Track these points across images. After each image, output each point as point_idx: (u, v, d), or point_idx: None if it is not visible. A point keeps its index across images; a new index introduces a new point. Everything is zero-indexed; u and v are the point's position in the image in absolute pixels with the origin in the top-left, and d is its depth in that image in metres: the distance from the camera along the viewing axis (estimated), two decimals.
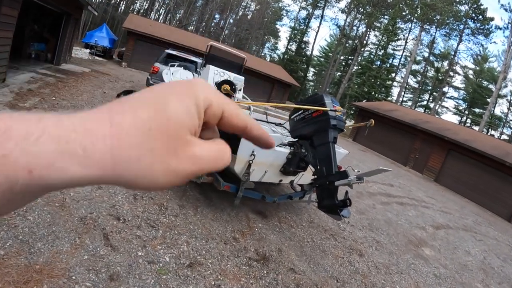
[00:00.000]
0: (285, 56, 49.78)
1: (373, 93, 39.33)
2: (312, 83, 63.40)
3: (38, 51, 13.86)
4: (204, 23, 46.46)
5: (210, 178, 4.60)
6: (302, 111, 4.13)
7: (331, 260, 4.73)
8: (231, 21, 53.04)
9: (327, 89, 47.43)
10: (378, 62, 41.21)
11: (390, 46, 41.11)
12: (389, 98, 41.07)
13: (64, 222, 3.48)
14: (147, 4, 46.54)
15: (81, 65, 16.46)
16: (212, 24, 50.96)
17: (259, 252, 4.26)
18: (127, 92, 11.24)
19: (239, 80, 7.81)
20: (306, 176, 4.98)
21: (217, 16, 50.86)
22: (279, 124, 5.73)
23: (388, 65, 41.19)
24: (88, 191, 4.26)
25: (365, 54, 45.94)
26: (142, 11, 45.97)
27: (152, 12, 46.75)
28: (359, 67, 44.75)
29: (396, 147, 23.70)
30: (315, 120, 3.94)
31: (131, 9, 46.28)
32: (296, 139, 4.46)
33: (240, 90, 7.84)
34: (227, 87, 4.58)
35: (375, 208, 7.92)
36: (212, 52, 7.75)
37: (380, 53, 41.30)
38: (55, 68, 12.76)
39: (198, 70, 12.49)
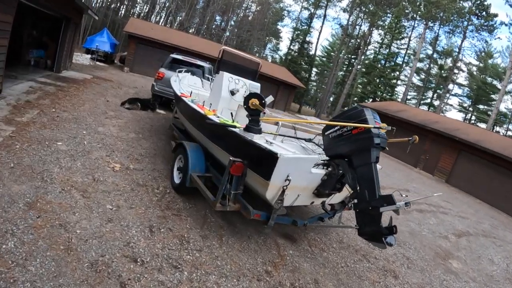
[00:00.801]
0: (288, 57, 49.19)
1: (378, 92, 38.76)
2: (315, 83, 62.88)
3: (38, 58, 13.21)
4: (205, 25, 45.94)
5: (237, 206, 4.07)
6: (339, 127, 3.73)
7: (369, 286, 4.45)
8: (232, 22, 52.59)
9: (331, 90, 46.81)
10: (383, 61, 40.71)
11: (394, 45, 40.61)
12: (394, 97, 40.42)
13: (72, 271, 2.86)
14: (147, 8, 46.12)
15: (82, 71, 15.83)
16: (213, 26, 50.50)
17: (295, 287, 3.77)
18: (132, 101, 10.62)
19: (255, 87, 7.18)
20: (337, 196, 4.44)
21: (218, 18, 50.49)
22: (309, 140, 5.10)
23: (393, 64, 40.70)
24: (97, 226, 3.62)
25: (368, 53, 45.47)
26: (142, 14, 45.52)
27: (153, 16, 46.38)
28: (364, 66, 44.24)
29: (406, 148, 22.95)
30: (355, 138, 3.55)
31: (131, 13, 45.87)
32: (331, 158, 4.02)
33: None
34: (255, 101, 3.91)
35: (397, 219, 7.28)
36: (224, 57, 7.12)
37: (385, 52, 40.77)
38: (55, 76, 12.12)
39: (205, 75, 11.90)
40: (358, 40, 46.02)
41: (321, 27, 49.27)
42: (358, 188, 3.56)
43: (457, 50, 40.41)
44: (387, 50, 40.50)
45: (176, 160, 5.51)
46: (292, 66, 43.66)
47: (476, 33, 38.03)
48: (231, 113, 4.73)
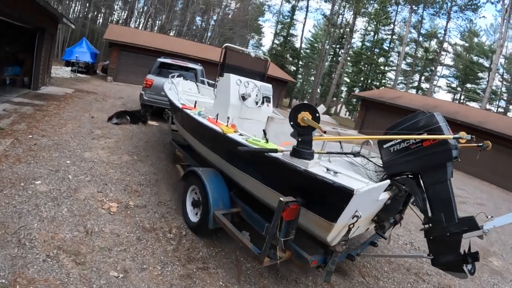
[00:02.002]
0: (272, 51, 48.07)
1: (369, 80, 38.11)
2: (300, 76, 61.91)
3: (13, 76, 11.93)
4: (186, 27, 44.47)
5: (288, 254, 3.08)
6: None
7: None
8: (213, 22, 51.21)
9: (319, 81, 45.89)
10: (372, 48, 40.09)
11: (381, 31, 39.98)
12: (386, 84, 39.83)
13: None
14: (125, 14, 44.42)
15: (63, 85, 14.44)
16: (194, 27, 49.04)
17: None
18: (120, 114, 9.40)
19: (267, 89, 6.14)
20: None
21: (198, 18, 49.01)
22: (357, 154, 4.01)
23: (381, 51, 40.06)
24: None
25: (353, 41, 44.74)
26: (121, 21, 43.79)
27: (132, 21, 44.74)
28: (351, 55, 43.57)
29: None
30: (429, 152, 2.94)
31: (109, 20, 43.99)
32: (393, 177, 3.27)
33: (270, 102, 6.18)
34: (307, 115, 2.80)
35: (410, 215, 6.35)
36: (228, 57, 6.03)
37: (371, 39, 40.14)
38: (33, 94, 10.81)
39: (199, 78, 10.79)
40: (342, 30, 45.13)
41: (305, 18, 47.67)
42: (430, 211, 3.05)
43: (442, 31, 39.76)
44: (375, 37, 39.84)
45: (189, 192, 4.40)
46: (278, 60, 42.64)
47: (461, 13, 37.34)
48: (264, 131, 3.57)
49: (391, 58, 43.25)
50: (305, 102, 3.37)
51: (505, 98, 39.96)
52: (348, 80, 48.58)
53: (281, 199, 2.69)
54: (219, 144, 4.23)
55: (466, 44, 40.53)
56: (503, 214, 7.77)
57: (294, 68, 49.08)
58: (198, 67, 11.42)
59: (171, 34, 41.55)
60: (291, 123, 2.88)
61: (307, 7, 45.37)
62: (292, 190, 2.91)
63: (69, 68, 20.67)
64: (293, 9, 46.76)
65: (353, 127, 26.69)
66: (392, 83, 40.78)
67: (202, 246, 3.89)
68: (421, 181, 3.13)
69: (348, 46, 41.78)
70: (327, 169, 2.80)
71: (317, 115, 2.81)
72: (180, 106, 5.41)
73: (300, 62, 52.86)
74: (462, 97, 43.90)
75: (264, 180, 3.44)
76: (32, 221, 3.52)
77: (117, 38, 20.31)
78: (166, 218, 4.35)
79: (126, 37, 20.95)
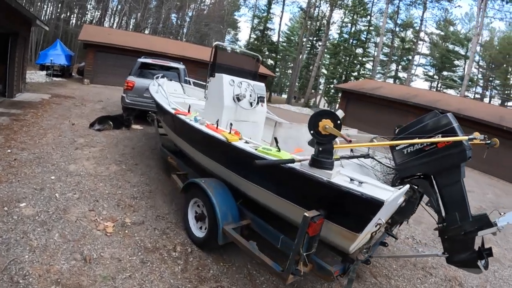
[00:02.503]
0: (249, 46, 47.62)
1: (348, 72, 38.27)
2: (278, 69, 61.69)
3: None
4: (161, 24, 43.49)
5: (309, 267, 2.84)
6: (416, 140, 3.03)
7: None
8: (188, 18, 50.28)
9: (297, 75, 45.82)
10: (350, 40, 40.25)
11: (360, 22, 40.14)
12: (366, 75, 40.04)
13: None
14: (99, 13, 43.06)
15: (40, 91, 13.75)
16: (170, 25, 48.03)
17: None
18: (102, 120, 8.93)
19: (260, 88, 5.84)
20: None
21: (174, 15, 48.00)
22: (367, 156, 3.81)
23: (358, 42, 40.24)
24: None
25: (330, 33, 44.83)
26: (95, 21, 42.39)
27: (106, 20, 43.43)
28: (329, 47, 43.61)
29: (389, 125, 22.19)
30: (443, 153, 2.92)
31: (83, 20, 42.46)
32: (406, 179, 3.24)
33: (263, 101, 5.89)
34: (328, 123, 2.55)
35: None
36: (219, 56, 5.71)
37: (349, 31, 40.25)
38: (8, 102, 10.20)
39: (182, 78, 10.41)
40: (319, 22, 45.09)
41: (282, 12, 47.49)
42: (443, 210, 3.06)
43: (418, 21, 40.24)
44: (352, 29, 39.98)
45: (190, 205, 4.09)
46: (260, 55, 42.20)
47: (437, 2, 37.86)
48: (275, 138, 3.28)
49: (368, 49, 43.58)
50: (326, 109, 3.15)
51: (481, 85, 40.80)
52: (325, 72, 48.75)
53: (306, 214, 2.50)
54: (222, 153, 3.93)
55: (442, 33, 41.11)
56: (490, 198, 7.71)
57: (272, 62, 48.86)
58: (180, 66, 11.03)
59: (146, 32, 40.60)
60: (311, 131, 2.63)
61: (283, 0, 45.13)
62: (312, 202, 2.75)
63: (44, 72, 19.77)
64: (270, 3, 46.41)
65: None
66: (370, 73, 41.08)
67: (211, 263, 3.61)
68: (434, 182, 3.11)
69: (326, 38, 41.82)
70: (351, 179, 2.59)
71: (339, 122, 2.56)
72: (172, 111, 5.04)
73: (278, 56, 52.72)
74: (439, 85, 44.67)
75: (278, 190, 3.19)
76: (22, 253, 3.14)
77: (92, 39, 19.55)
78: (167, 234, 4.02)
79: (102, 37, 20.22)
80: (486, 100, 39.97)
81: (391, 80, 43.81)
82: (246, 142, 3.60)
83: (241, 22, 76.36)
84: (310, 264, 2.83)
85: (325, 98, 50.41)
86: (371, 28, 41.88)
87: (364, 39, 42.01)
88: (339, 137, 2.63)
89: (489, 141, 3.20)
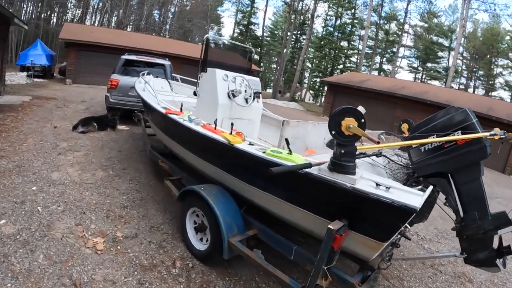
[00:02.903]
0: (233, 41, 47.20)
1: (334, 65, 38.21)
2: (262, 64, 61.28)
3: None
4: (144, 21, 42.57)
5: (329, 280, 2.46)
6: (432, 137, 2.83)
7: None
8: (170, 15, 49.34)
9: (283, 69, 45.50)
10: (335, 33, 40.19)
11: (345, 15, 40.09)
12: (352, 68, 40.04)
13: None
14: (80, 11, 41.85)
15: (20, 93, 13.11)
16: (152, 22, 47.09)
17: None
18: (86, 121, 8.46)
19: (256, 84, 5.50)
20: None
21: (156, 12, 47.06)
22: (379, 154, 3.52)
23: (343, 35, 40.20)
24: None
25: (315, 27, 44.67)
26: (76, 19, 41.15)
27: (87, 18, 42.22)
28: (314, 40, 43.44)
29: (378, 118, 22.53)
30: (463, 151, 2.74)
31: (64, 19, 41.09)
32: (425, 178, 3.05)
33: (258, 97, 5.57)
34: (352, 122, 2.28)
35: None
36: (210, 49, 5.36)
37: (333, 24, 40.21)
38: None
39: (169, 74, 10.05)
40: (303, 16, 44.84)
41: (266, 6, 47.39)
42: (461, 210, 2.90)
43: (402, 13, 40.39)
44: (336, 22, 39.91)
45: (188, 215, 3.74)
46: None
47: None
48: (286, 140, 2.91)
49: (353, 42, 43.53)
50: (348, 106, 2.90)
51: (465, 75, 41.19)
52: (310, 66, 48.62)
53: (331, 227, 2.26)
54: (223, 156, 3.58)
55: (426, 25, 41.31)
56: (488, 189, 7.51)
57: (257, 57, 48.47)
58: (166, 62, 10.60)
59: (129, 29, 39.70)
60: (332, 132, 2.34)
61: None
62: (332, 210, 2.54)
63: (25, 73, 19.00)
64: None
65: (321, 113, 26.64)
66: (355, 66, 41.05)
67: (216, 278, 3.29)
68: (451, 180, 2.94)
69: (310, 32, 41.61)
70: (376, 184, 2.33)
71: (363, 121, 2.28)
72: (163, 111, 4.65)
73: (262, 50, 52.35)
74: (424, 76, 44.93)
75: (290, 197, 2.88)
76: (3, 280, 2.75)
77: (74, 37, 18.81)
78: (164, 248, 3.67)
79: (84, 36, 19.50)
80: (470, 90, 40.36)
81: (375, 73, 43.81)
82: (251, 143, 3.29)
83: (224, 17, 75.63)
84: (330, 277, 2.51)
85: (310, 92, 50.35)
86: (355, 21, 41.81)
87: (349, 32, 41.92)
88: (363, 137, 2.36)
89: (503, 136, 2.97)
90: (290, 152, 2.80)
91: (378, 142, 2.34)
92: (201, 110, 4.94)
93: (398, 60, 43.40)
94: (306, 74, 52.01)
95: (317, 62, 42.17)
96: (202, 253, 3.50)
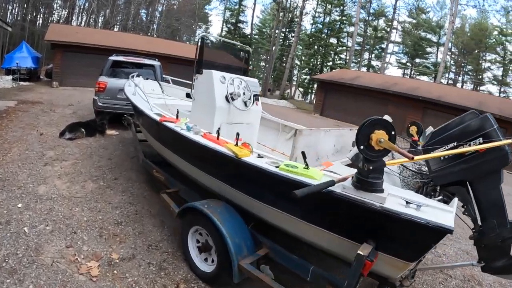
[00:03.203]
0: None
1: (324, 62, 38.14)
2: (250, 62, 60.90)
3: None
4: (131, 21, 41.81)
5: None
6: (453, 145, 2.69)
7: None
8: (157, 14, 48.64)
9: (272, 67, 45.28)
10: (325, 30, 40.14)
11: (334, 12, 40.02)
12: (343, 65, 39.94)
13: None
14: (66, 12, 40.90)
15: (5, 97, 12.58)
16: (139, 21, 46.34)
17: None
18: (73, 127, 8.04)
19: (254, 85, 5.25)
20: None
21: (143, 11, 46.28)
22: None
23: (332, 32, 40.14)
24: None
25: (304, 24, 44.61)
26: (62, 20, 40.20)
27: (74, 19, 41.26)
28: (305, 37, 43.30)
29: (370, 114, 21.78)
30: (484, 159, 2.57)
31: (49, 20, 40.04)
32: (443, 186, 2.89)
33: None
34: (383, 135, 2.03)
35: None
36: (206, 49, 5.05)
37: (322, 21, 40.06)
38: None
39: (158, 75, 9.74)
40: (291, 14, 44.63)
41: (254, 4, 46.95)
42: (479, 218, 2.73)
43: (391, 10, 40.45)
44: (325, 19, 39.79)
45: (190, 234, 3.44)
46: None
47: None
48: (303, 153, 2.64)
49: (343, 39, 43.51)
50: (377, 117, 2.68)
51: (453, 70, 41.42)
52: (298, 63, 48.54)
53: (360, 252, 2.09)
54: (228, 169, 3.28)
55: (414, 21, 41.41)
56: None
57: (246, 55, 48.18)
58: (155, 63, 10.26)
59: (116, 29, 38.98)
60: (361, 146, 2.10)
61: None
62: (356, 229, 2.37)
63: (10, 77, 18.36)
64: None
65: (312, 110, 26.51)
66: (344, 63, 40.94)
67: None
68: (470, 188, 2.77)
69: (299, 29, 41.44)
70: (407, 203, 2.15)
71: (393, 133, 2.06)
72: (157, 118, 4.32)
73: (251, 49, 52.09)
74: (412, 71, 45.07)
75: (306, 216, 2.63)
76: None
77: (60, 39, 18.23)
78: (165, 269, 3.35)
79: (70, 37, 18.93)
80: (459, 85, 40.62)
81: (364, 69, 43.95)
82: (259, 156, 3.01)
83: (212, 15, 74.91)
84: None
85: (300, 89, 50.21)
86: (343, 18, 41.75)
87: (338, 29, 41.85)
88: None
89: None
90: (307, 167, 2.56)
91: (413, 158, 2.08)
92: (197, 115, 4.64)
93: (387, 56, 43.53)
94: (295, 72, 51.94)
95: (306, 59, 41.99)
96: (208, 275, 3.20)
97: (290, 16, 44.27)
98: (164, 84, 8.76)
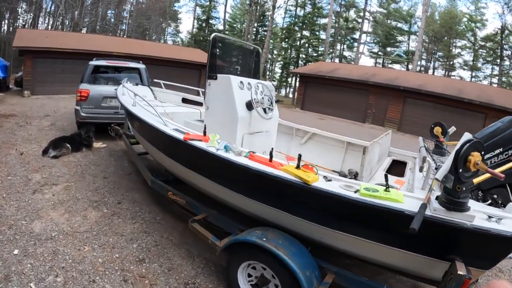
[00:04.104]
0: (195, 37, 45.68)
1: (300, 55, 37.97)
2: None
3: None
4: (99, 22, 39.90)
5: None
6: (500, 150, 2.92)
7: None
8: (125, 14, 46.82)
9: None
10: (300, 23, 39.95)
11: (308, 5, 39.79)
12: (315, 57, 39.81)
13: None
14: (31, 16, 38.49)
15: None
16: (108, 22, 44.43)
17: None
18: (57, 143, 7.11)
19: (271, 89, 4.77)
20: None
21: (110, 11, 44.28)
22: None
23: (305, 25, 39.98)
24: None
25: (278, 18, 44.31)
26: (27, 25, 37.80)
27: (40, 23, 38.94)
28: (279, 31, 42.97)
29: (351, 106, 22.55)
30: None
31: (15, 26, 37.53)
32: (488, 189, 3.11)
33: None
34: (478, 157, 1.98)
35: None
36: (220, 51, 4.52)
37: (295, 14, 39.82)
38: None
39: (144, 79, 9.08)
40: (262, 7, 44.04)
41: (226, 0, 46.24)
42: None
43: (363, 1, 40.52)
44: (296, 12, 39.60)
45: (240, 269, 2.88)
46: (202, 46, 40.68)
47: None
48: (385, 176, 2.46)
49: (316, 32, 43.34)
50: (471, 138, 2.38)
51: (424, 57, 42.02)
52: (270, 56, 48.20)
53: (461, 273, 2.04)
54: (291, 196, 2.75)
55: (385, 11, 41.68)
56: None
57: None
58: (140, 66, 9.48)
59: (84, 31, 37.14)
60: (460, 170, 2.00)
61: None
62: (443, 248, 2.31)
63: None
64: None
65: (291, 104, 26.18)
66: (318, 56, 40.79)
67: None
68: (508, 189, 3.00)
69: (272, 23, 40.92)
70: (489, 217, 2.21)
71: (483, 153, 2.05)
72: (179, 136, 3.58)
73: None
74: (384, 60, 45.42)
75: (383, 239, 2.46)
76: None
77: (29, 44, 16.71)
78: None
79: (39, 42, 17.45)
80: (430, 71, 41.35)
81: (337, 60, 43.91)
82: (327, 179, 2.61)
83: (182, 13, 73.04)
84: None
85: (273, 83, 49.85)
86: (315, 10, 41.56)
87: (309, 22, 41.65)
88: None
89: None
90: (388, 189, 2.40)
91: (503, 178, 2.02)
92: (214, 126, 4.04)
93: (361, 46, 43.69)
94: (268, 66, 51.59)
95: (279, 52, 41.72)
96: None
97: (262, 10, 43.72)
98: (157, 89, 8.01)
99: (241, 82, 4.21)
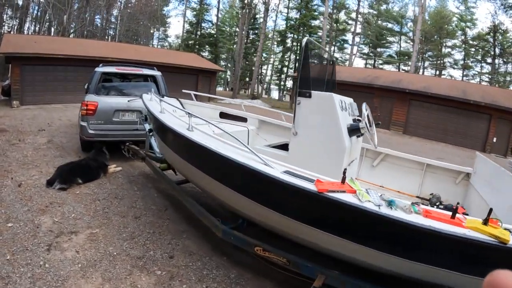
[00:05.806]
0: (187, 41, 44.29)
1: (297, 57, 37.43)
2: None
3: None
4: (87, 26, 37.98)
5: None
6: None
7: None
8: (113, 19, 44.93)
9: (240, 66, 43.30)
10: (295, 26, 39.41)
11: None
12: None
13: None
14: (17, 21, 36.25)
15: None
16: (94, 26, 42.48)
17: None
18: (66, 173, 5.51)
19: (354, 106, 4.13)
20: None
21: (98, 16, 42.35)
22: None
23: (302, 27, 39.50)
24: None
25: (272, 20, 43.65)
26: (13, 32, 35.46)
27: (27, 28, 36.77)
28: (276, 34, 42.24)
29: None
30: None
31: (1, 32, 35.39)
32: None
33: None
34: None
35: None
36: (310, 60, 3.48)
37: (287, 17, 39.15)
38: None
39: (162, 88, 7.65)
40: (253, 10, 43.05)
41: (218, 2, 45.05)
42: None
43: (356, 2, 39.99)
44: (298, 14, 39.09)
45: None
46: (197, 49, 39.46)
47: None
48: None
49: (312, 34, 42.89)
50: None
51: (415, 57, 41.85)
52: (265, 60, 47.43)
53: None
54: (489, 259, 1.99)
55: (375, 12, 41.25)
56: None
57: (213, 56, 46.03)
58: (156, 73, 8.00)
59: (71, 36, 35.21)
60: None
61: None
62: None
63: None
64: None
65: (291, 109, 25.04)
66: None
67: None
68: None
69: (265, 25, 39.92)
70: None
71: None
72: (312, 188, 2.24)
73: (218, 49, 50.23)
74: (375, 61, 45.03)
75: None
76: None
77: (16, 50, 14.91)
78: None
79: (27, 47, 15.63)
80: (421, 71, 41.09)
81: None
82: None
83: (172, 17, 71.49)
84: None
85: (264, 86, 48.93)
86: (309, 13, 40.95)
87: (304, 24, 41.00)
88: None
89: None
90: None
91: None
92: (304, 157, 3.09)
93: (351, 47, 43.21)
94: (263, 69, 50.78)
95: (275, 56, 41.12)
96: None
97: (253, 13, 42.71)
98: (186, 102, 6.53)
99: (342, 101, 3.36)
